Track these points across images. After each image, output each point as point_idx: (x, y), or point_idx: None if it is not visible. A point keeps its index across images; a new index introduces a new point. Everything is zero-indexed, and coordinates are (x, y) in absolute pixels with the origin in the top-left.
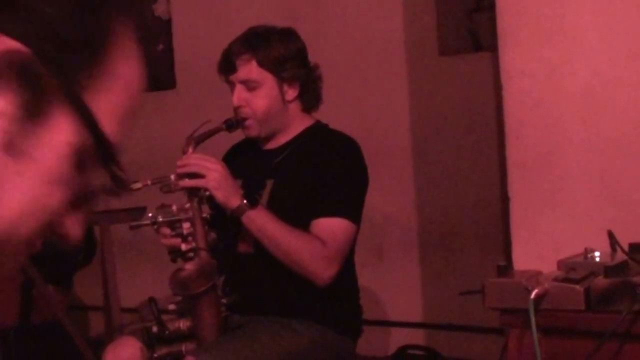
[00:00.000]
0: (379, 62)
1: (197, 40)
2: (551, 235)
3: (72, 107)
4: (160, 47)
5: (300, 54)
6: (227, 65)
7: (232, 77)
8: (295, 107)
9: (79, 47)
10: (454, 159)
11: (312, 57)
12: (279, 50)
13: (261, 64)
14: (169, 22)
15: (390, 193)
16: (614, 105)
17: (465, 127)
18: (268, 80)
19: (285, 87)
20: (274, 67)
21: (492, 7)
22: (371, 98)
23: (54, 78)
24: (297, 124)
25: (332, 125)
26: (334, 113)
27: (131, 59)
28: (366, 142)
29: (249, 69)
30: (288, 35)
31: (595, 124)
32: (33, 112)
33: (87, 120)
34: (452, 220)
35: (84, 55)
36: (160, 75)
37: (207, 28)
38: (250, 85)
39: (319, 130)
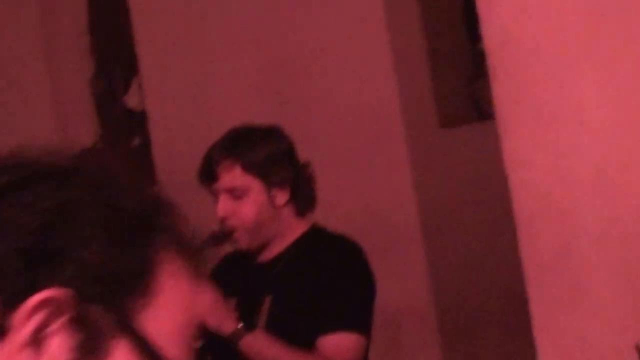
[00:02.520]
0: (376, 139)
1: (175, 132)
2: (576, 334)
3: (127, 338)
4: (137, 141)
5: (287, 154)
6: (208, 174)
7: (215, 186)
8: (287, 212)
9: (125, 279)
10: (467, 237)
11: (303, 140)
12: (264, 152)
13: (246, 169)
14: (142, 114)
15: (401, 280)
16: (629, 188)
17: (476, 201)
18: (255, 186)
19: (275, 192)
20: (261, 171)
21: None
22: (371, 179)
23: (104, 314)
24: (292, 230)
25: (331, 213)
26: (332, 199)
27: (178, 276)
28: (370, 227)
29: (233, 176)
30: (273, 134)
31: (610, 211)
32: (89, 351)
33: (145, 348)
34: (472, 304)
35: (131, 286)
36: (138, 172)
37: (186, 118)
38: (236, 193)
39: (316, 236)
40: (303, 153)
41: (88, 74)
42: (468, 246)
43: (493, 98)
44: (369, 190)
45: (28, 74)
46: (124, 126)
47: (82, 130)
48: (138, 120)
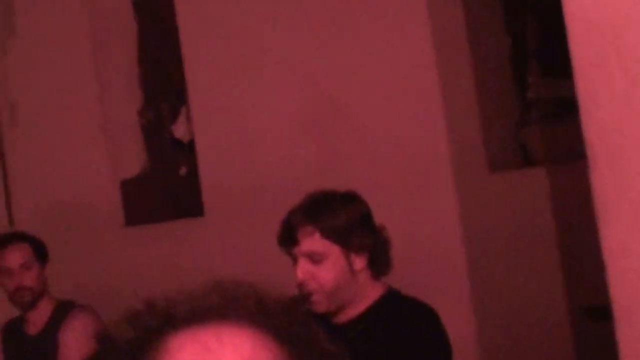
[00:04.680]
0: (424, 180)
1: (222, 162)
2: None
3: None
4: (184, 171)
5: (365, 220)
6: (288, 238)
7: (295, 250)
8: (364, 276)
9: None
10: (512, 278)
11: (348, 178)
12: (343, 218)
13: (325, 235)
14: (191, 144)
15: (447, 320)
16: None
17: (521, 243)
18: (334, 252)
19: (353, 257)
20: (340, 237)
21: (543, 121)
22: (418, 220)
23: None
24: (368, 293)
25: None
26: None
27: None
28: (417, 267)
29: (313, 241)
30: (351, 200)
31: None
32: None
33: None
34: (516, 343)
35: None
36: (185, 201)
37: (232, 149)
38: (315, 258)
39: (392, 300)
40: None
41: (137, 104)
42: (513, 288)
43: (593, 187)
44: (415, 231)
45: (80, 103)
46: (171, 156)
47: (130, 159)
48: (185, 150)
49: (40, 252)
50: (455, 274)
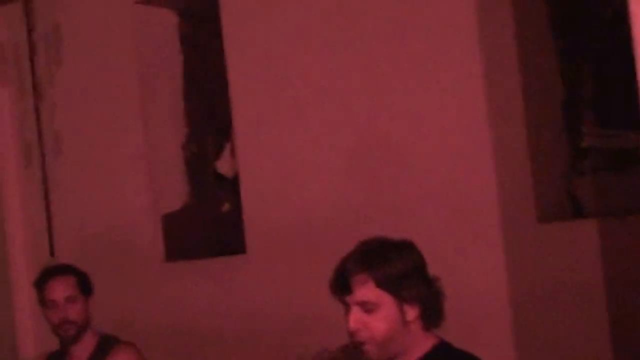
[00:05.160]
0: (471, 227)
1: (267, 201)
2: None
3: None
4: (226, 207)
5: (419, 270)
6: (341, 286)
7: (347, 298)
8: (416, 327)
9: None
10: (558, 331)
11: (394, 222)
12: (397, 268)
13: (379, 285)
14: (235, 180)
15: None
16: None
17: (568, 295)
18: (387, 301)
19: (406, 307)
20: (393, 287)
21: (596, 172)
22: (463, 267)
23: None
24: (419, 345)
25: None
26: None
27: None
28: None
29: (366, 290)
30: (405, 250)
31: None
32: None
33: None
34: None
35: None
36: (227, 238)
37: (277, 187)
38: (367, 307)
39: (444, 352)
40: (393, 234)
41: (181, 138)
42: (559, 343)
43: None
44: (460, 279)
45: (124, 135)
46: (214, 191)
47: (173, 194)
48: (229, 186)
49: (85, 285)
50: (500, 326)
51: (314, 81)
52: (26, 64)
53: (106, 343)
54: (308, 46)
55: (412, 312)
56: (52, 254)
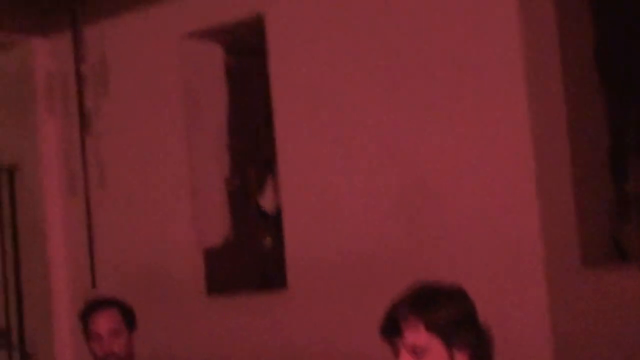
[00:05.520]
0: (515, 272)
1: (309, 237)
2: None
3: None
4: (268, 242)
5: (471, 317)
6: (391, 328)
7: (397, 341)
8: None
9: None
10: None
11: (436, 262)
12: (449, 313)
13: (430, 329)
14: (277, 215)
15: None
16: None
17: (611, 340)
18: (437, 346)
19: (455, 353)
20: (444, 332)
21: (638, 216)
22: (506, 312)
23: None
24: None
25: None
26: None
27: None
28: None
29: (417, 334)
30: (457, 295)
31: None
32: None
33: None
34: None
35: None
36: (268, 273)
37: (320, 224)
38: (417, 351)
39: None
40: (435, 275)
41: (225, 171)
42: None
43: None
44: (502, 323)
45: (168, 167)
46: (256, 225)
47: (215, 228)
48: (271, 221)
49: (129, 318)
50: None
51: (360, 119)
52: (73, 94)
53: None
54: (354, 83)
55: (460, 358)
56: (93, 285)
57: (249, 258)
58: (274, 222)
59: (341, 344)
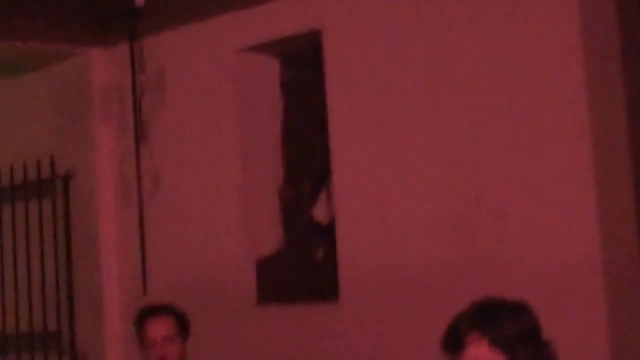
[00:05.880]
0: (573, 295)
1: (362, 251)
2: None
3: None
4: (320, 253)
5: (534, 332)
6: (454, 343)
7: (459, 356)
8: None
9: None
10: None
11: (491, 283)
12: (513, 328)
13: (493, 344)
14: (330, 227)
15: None
16: None
17: None
18: None
19: None
20: (508, 347)
21: None
22: (564, 337)
23: None
24: None
25: None
26: None
27: None
28: None
29: (479, 350)
30: (521, 311)
31: None
32: None
33: None
34: None
35: None
36: (320, 284)
37: (374, 238)
38: None
39: None
40: (492, 291)
41: (278, 182)
42: None
43: None
44: (562, 338)
45: (222, 177)
46: (309, 237)
47: (267, 238)
48: (324, 232)
49: (183, 325)
50: None
51: (417, 132)
52: (129, 104)
53: None
54: (411, 97)
55: None
56: (144, 292)
57: (301, 269)
58: (327, 234)
59: (391, 357)
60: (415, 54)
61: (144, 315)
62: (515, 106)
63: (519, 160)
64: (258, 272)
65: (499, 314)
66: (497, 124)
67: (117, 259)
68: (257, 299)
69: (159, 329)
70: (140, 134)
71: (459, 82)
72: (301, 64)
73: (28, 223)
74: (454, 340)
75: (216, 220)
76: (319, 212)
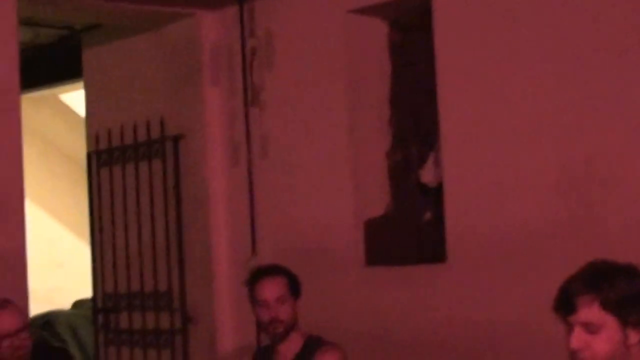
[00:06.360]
0: None
1: (470, 213)
2: None
3: None
4: (428, 216)
5: None
6: (565, 305)
7: (571, 318)
8: (636, 351)
9: None
10: None
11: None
12: (623, 290)
13: (605, 306)
14: (436, 189)
15: None
16: None
17: None
18: (611, 324)
19: (629, 331)
20: (619, 309)
21: None
22: None
23: None
24: None
25: None
26: None
27: None
28: None
29: (591, 311)
30: (633, 274)
31: None
32: None
33: None
34: None
35: None
36: (427, 246)
37: (482, 200)
38: (591, 329)
39: None
40: (598, 254)
41: (386, 145)
42: None
43: None
44: None
45: (329, 140)
46: (416, 199)
47: (375, 200)
48: (431, 195)
49: (295, 287)
50: None
51: (525, 95)
52: (238, 67)
53: (312, 343)
54: (520, 59)
55: (634, 336)
56: (254, 252)
57: (408, 231)
58: (434, 196)
59: (499, 315)
60: (525, 18)
61: (257, 277)
62: (623, 72)
63: (628, 127)
64: (366, 234)
65: (610, 276)
66: (609, 87)
67: (226, 219)
68: (365, 261)
69: (271, 290)
70: (249, 96)
71: (569, 46)
72: (409, 25)
73: (138, 183)
74: (566, 302)
75: (324, 182)
76: (427, 175)
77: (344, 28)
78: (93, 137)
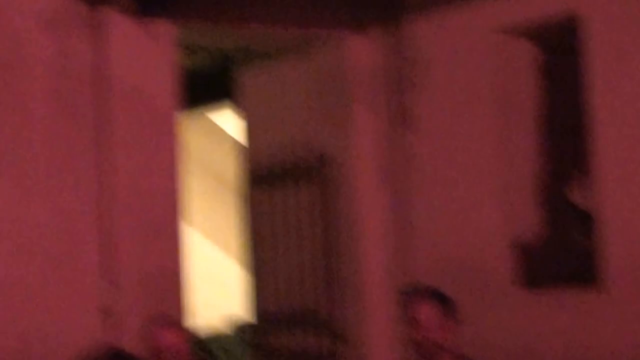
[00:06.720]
0: None
1: (627, 235)
2: None
3: None
4: (579, 238)
5: None
6: None
7: None
8: None
9: None
10: None
11: None
12: None
13: None
14: (587, 211)
15: None
16: None
17: None
18: None
19: None
20: None
21: None
22: None
23: None
24: None
25: None
26: None
27: None
28: None
29: None
30: None
31: None
32: None
33: None
34: None
35: None
36: (579, 270)
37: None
38: None
39: None
40: None
41: (536, 167)
42: None
43: None
44: None
45: (481, 160)
46: (569, 221)
47: (527, 221)
48: (584, 218)
49: (448, 310)
50: None
51: None
52: (388, 88)
53: None
54: None
55: None
56: (408, 274)
57: (560, 253)
58: (584, 218)
59: None
60: None
61: (411, 296)
62: None
63: None
64: (518, 256)
65: None
66: None
67: (378, 239)
68: (521, 283)
69: (424, 311)
70: (399, 118)
71: None
72: (558, 47)
73: (293, 205)
74: None
75: (475, 203)
76: (577, 197)
77: (492, 49)
78: (250, 159)
